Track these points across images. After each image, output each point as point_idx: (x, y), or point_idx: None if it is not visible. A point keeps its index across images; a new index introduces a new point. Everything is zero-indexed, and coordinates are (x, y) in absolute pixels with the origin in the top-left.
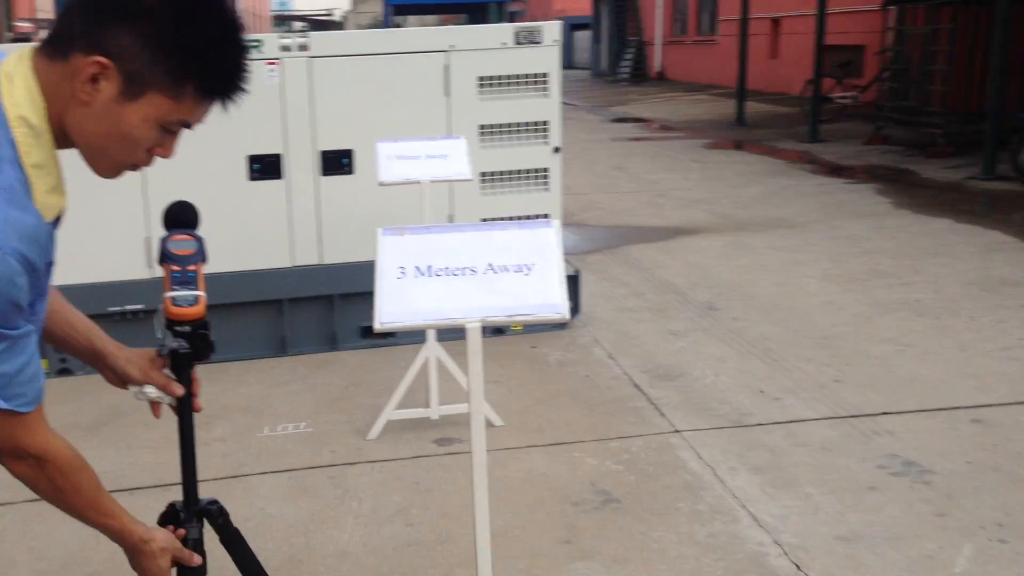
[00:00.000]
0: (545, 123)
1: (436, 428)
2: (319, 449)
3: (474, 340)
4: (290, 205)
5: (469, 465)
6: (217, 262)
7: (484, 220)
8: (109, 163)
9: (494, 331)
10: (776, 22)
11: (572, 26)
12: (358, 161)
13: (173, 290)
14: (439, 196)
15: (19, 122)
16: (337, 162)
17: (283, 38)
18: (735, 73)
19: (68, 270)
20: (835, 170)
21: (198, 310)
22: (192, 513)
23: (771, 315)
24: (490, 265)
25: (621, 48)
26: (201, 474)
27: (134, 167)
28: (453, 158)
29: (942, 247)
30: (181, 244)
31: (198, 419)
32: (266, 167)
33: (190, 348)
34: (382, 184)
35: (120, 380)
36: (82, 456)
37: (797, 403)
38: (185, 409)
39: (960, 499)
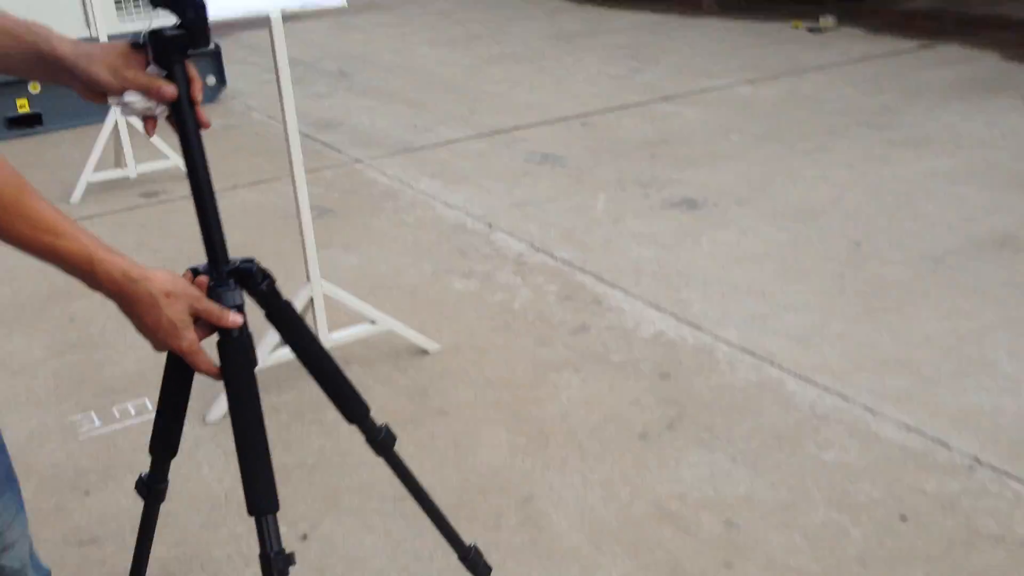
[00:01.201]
0: None
1: (137, 185)
2: None
3: (278, 28)
4: None
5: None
6: None
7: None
8: None
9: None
10: None
11: None
12: None
13: None
14: None
15: None
16: None
17: None
18: None
19: None
20: None
21: None
22: (222, 274)
23: (398, 74)
24: None
25: None
26: None
27: None
28: None
29: (517, 13)
30: None
31: None
32: None
33: (181, 28)
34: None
35: (93, 92)
36: None
37: (447, 130)
38: (185, 120)
39: (588, 171)
